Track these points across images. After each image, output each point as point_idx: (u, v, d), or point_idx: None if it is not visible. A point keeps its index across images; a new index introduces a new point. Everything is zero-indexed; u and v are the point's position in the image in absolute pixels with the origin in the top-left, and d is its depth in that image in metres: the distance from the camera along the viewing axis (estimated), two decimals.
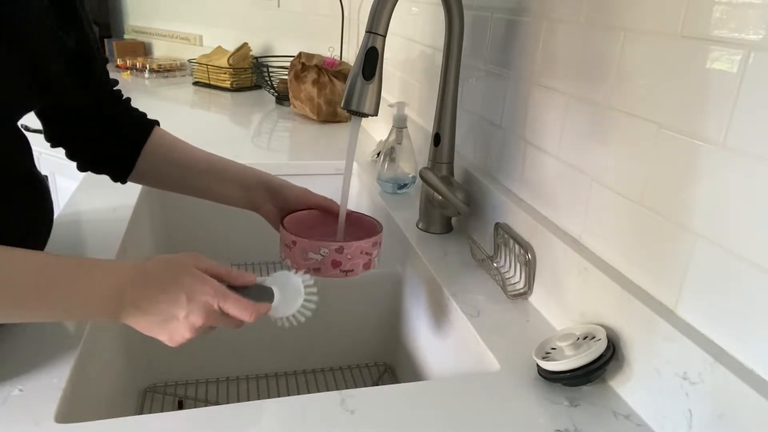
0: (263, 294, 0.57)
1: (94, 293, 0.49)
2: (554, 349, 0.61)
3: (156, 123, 0.78)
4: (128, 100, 0.79)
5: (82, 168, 0.76)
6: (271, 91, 1.83)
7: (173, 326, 0.51)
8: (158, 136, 0.77)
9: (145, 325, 0.51)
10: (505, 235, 0.79)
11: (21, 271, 0.46)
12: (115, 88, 0.77)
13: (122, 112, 0.77)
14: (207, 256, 0.55)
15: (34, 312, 0.48)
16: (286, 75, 1.70)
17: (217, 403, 0.63)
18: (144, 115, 0.79)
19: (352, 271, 0.68)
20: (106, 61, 0.77)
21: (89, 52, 0.70)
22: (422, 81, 1.18)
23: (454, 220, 0.95)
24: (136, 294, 0.50)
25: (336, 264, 0.66)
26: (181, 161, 0.76)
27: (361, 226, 0.75)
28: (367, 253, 0.69)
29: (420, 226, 0.94)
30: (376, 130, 1.43)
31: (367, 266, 0.69)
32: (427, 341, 0.83)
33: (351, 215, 0.75)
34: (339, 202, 0.74)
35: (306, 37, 2.00)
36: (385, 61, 0.91)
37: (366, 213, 0.78)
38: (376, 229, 0.73)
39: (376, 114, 0.71)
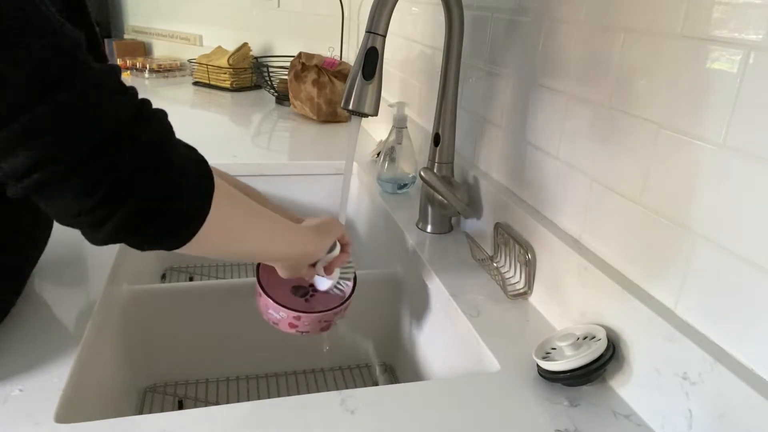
0: None
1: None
2: (554, 349, 0.61)
3: None
4: None
5: None
6: (271, 91, 1.83)
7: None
8: None
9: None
10: (505, 235, 0.79)
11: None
12: None
13: None
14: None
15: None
16: (286, 75, 1.70)
17: (217, 403, 0.63)
18: None
19: (307, 332, 0.69)
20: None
21: (100, 52, 0.70)
22: (422, 81, 1.18)
23: (454, 220, 0.95)
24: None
25: (292, 326, 0.68)
26: None
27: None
28: (326, 321, 0.69)
29: (420, 226, 0.94)
30: (376, 130, 1.43)
31: (325, 329, 0.70)
32: (427, 341, 0.83)
33: None
34: (338, 205, 0.74)
35: (306, 37, 2.00)
36: (385, 61, 0.91)
37: (365, 217, 0.78)
38: (343, 297, 0.72)
39: (376, 114, 0.71)
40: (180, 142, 0.46)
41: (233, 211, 0.51)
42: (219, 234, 0.49)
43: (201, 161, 0.47)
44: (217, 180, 0.47)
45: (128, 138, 0.40)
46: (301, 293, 0.74)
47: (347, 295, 0.72)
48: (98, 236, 0.42)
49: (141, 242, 0.44)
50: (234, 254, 0.55)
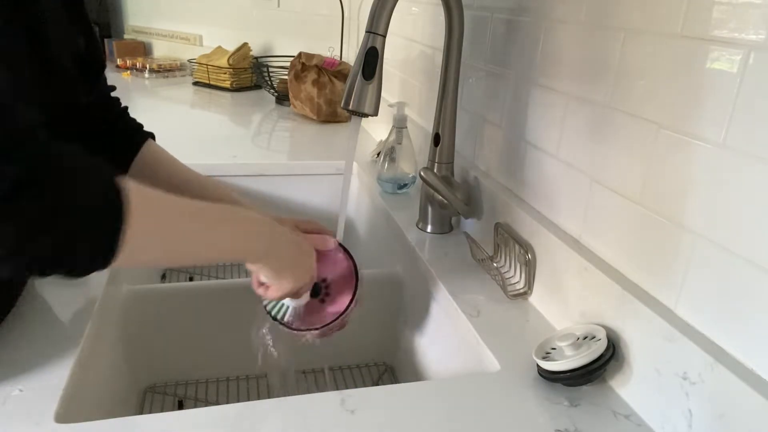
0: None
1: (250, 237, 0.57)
2: (554, 349, 0.61)
3: (151, 136, 0.77)
4: (125, 108, 0.78)
5: None
6: (271, 91, 1.83)
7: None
8: (150, 151, 0.74)
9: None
10: (505, 235, 0.79)
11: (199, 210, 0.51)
12: (112, 95, 0.76)
13: (118, 120, 0.76)
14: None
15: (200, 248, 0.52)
16: (286, 75, 1.70)
17: (217, 403, 0.63)
18: (140, 126, 0.77)
19: (331, 334, 0.70)
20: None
21: (97, 55, 0.69)
22: (422, 81, 1.18)
23: (454, 220, 0.95)
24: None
25: (316, 337, 0.68)
26: (169, 179, 0.73)
27: (342, 278, 0.71)
28: (343, 322, 0.69)
29: (420, 226, 0.94)
30: (376, 130, 1.43)
31: (343, 326, 0.70)
32: (427, 341, 0.82)
33: (333, 254, 0.71)
34: (338, 205, 0.73)
35: (306, 37, 2.00)
36: (385, 61, 0.91)
37: (365, 217, 0.78)
38: (352, 291, 0.69)
39: (376, 114, 0.71)
40: (88, 178, 0.41)
41: (154, 230, 0.45)
42: (144, 252, 0.45)
43: (109, 198, 0.41)
44: (133, 206, 0.41)
45: (15, 205, 0.36)
46: (314, 293, 0.71)
47: (354, 288, 0.70)
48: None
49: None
50: (173, 262, 0.52)
